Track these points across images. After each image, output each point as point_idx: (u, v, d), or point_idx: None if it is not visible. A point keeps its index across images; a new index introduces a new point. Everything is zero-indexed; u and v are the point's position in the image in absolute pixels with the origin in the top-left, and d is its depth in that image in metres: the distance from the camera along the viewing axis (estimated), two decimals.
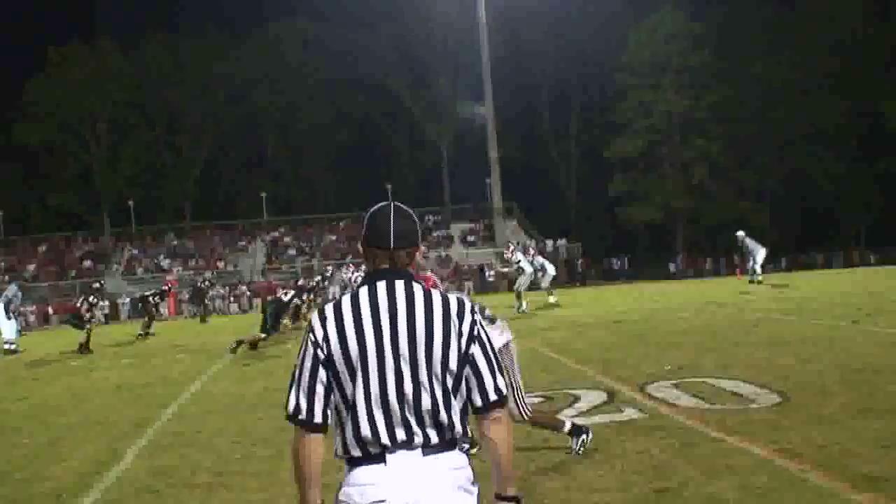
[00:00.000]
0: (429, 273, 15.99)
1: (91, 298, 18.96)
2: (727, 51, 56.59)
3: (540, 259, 23.48)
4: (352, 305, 2.52)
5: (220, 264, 49.43)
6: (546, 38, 63.28)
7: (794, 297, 18.80)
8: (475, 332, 2.53)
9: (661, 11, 57.51)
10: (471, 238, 52.28)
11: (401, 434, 2.43)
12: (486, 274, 44.07)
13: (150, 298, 23.93)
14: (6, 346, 19.85)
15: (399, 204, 2.81)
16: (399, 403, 2.44)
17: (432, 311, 2.50)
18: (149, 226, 57.05)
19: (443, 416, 2.46)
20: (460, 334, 2.50)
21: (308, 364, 2.51)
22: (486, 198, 52.64)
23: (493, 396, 2.51)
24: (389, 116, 67.77)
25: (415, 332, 2.47)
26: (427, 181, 67.20)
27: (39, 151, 58.42)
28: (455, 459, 2.47)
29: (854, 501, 4.49)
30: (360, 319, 2.48)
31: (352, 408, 2.47)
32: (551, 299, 22.42)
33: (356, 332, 2.47)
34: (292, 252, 51.23)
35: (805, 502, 4.54)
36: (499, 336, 5.74)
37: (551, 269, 23.20)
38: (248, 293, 43.86)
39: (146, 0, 64.71)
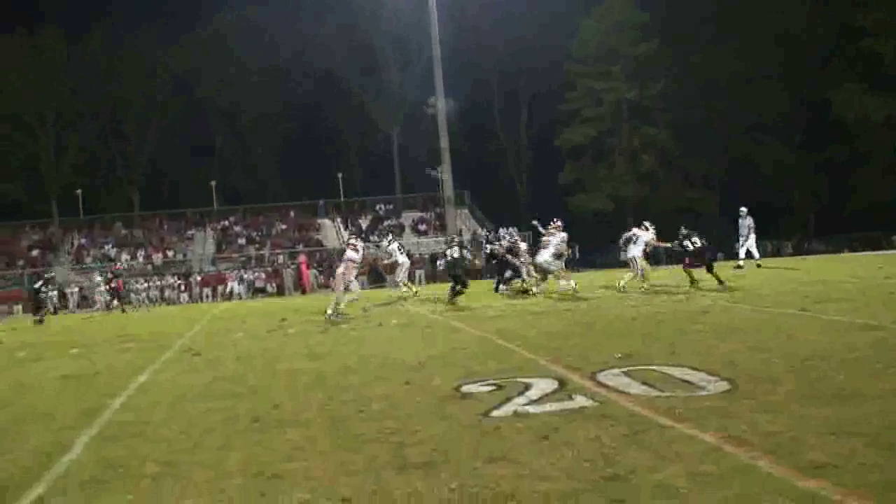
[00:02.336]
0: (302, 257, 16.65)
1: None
2: (675, 40, 57.15)
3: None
4: None
5: (170, 253, 48.90)
6: (495, 27, 63.42)
7: (743, 285, 19.00)
8: None
9: (610, 1, 57.85)
10: (422, 227, 52.24)
11: None
12: (438, 262, 44.05)
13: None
14: None
15: None
16: None
17: None
18: (97, 215, 56.31)
19: None
20: None
21: None
22: (437, 187, 52.68)
23: None
24: (338, 105, 67.44)
25: None
26: (378, 170, 67.08)
27: None
28: None
29: (801, 488, 4.51)
30: None
31: None
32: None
33: None
34: (242, 241, 50.81)
35: (754, 489, 4.55)
36: None
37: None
38: (200, 281, 43.59)
39: None
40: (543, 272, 19.89)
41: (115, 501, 5.26)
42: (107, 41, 60.33)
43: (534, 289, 20.16)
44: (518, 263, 21.89)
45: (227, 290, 42.92)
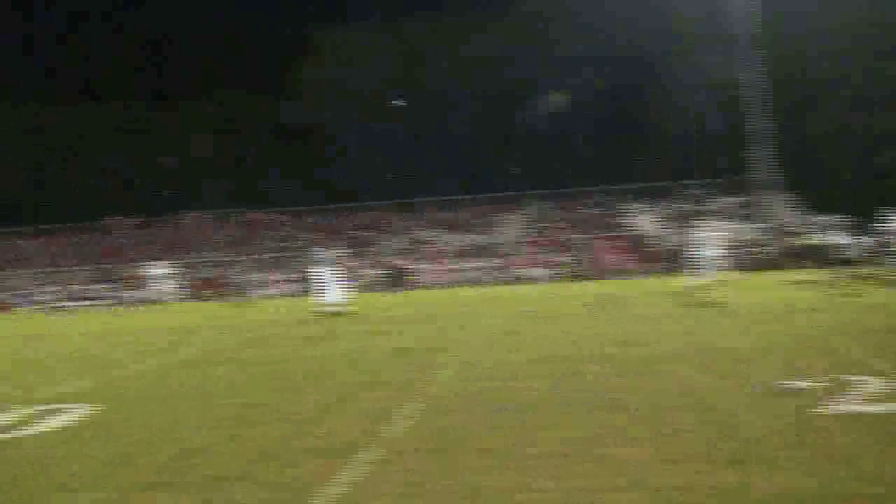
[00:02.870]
0: None
1: None
2: None
3: None
4: None
5: (480, 237, 50.50)
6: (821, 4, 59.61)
7: None
8: None
9: None
10: (733, 213, 50.44)
11: None
12: (752, 250, 42.37)
13: None
14: (334, 309, 21.49)
15: None
16: None
17: None
18: (415, 200, 59.01)
19: None
20: None
21: None
22: (750, 170, 50.51)
23: None
24: (646, 88, 66.39)
25: None
26: (687, 153, 65.38)
27: (305, 130, 62.60)
28: None
29: None
30: None
31: None
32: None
33: None
34: (555, 224, 51.54)
35: None
36: None
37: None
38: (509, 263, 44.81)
39: None
40: None
41: (445, 469, 5.50)
42: (423, 30, 63.06)
43: None
44: None
45: (535, 273, 43.66)
